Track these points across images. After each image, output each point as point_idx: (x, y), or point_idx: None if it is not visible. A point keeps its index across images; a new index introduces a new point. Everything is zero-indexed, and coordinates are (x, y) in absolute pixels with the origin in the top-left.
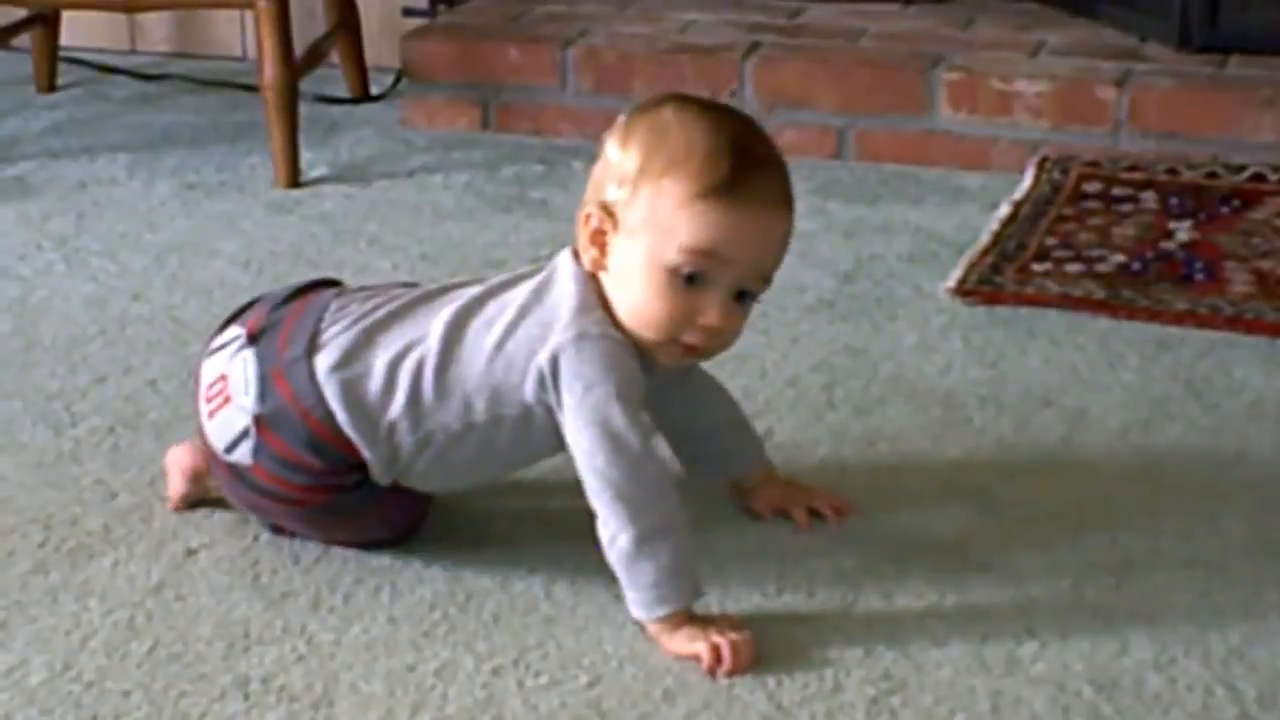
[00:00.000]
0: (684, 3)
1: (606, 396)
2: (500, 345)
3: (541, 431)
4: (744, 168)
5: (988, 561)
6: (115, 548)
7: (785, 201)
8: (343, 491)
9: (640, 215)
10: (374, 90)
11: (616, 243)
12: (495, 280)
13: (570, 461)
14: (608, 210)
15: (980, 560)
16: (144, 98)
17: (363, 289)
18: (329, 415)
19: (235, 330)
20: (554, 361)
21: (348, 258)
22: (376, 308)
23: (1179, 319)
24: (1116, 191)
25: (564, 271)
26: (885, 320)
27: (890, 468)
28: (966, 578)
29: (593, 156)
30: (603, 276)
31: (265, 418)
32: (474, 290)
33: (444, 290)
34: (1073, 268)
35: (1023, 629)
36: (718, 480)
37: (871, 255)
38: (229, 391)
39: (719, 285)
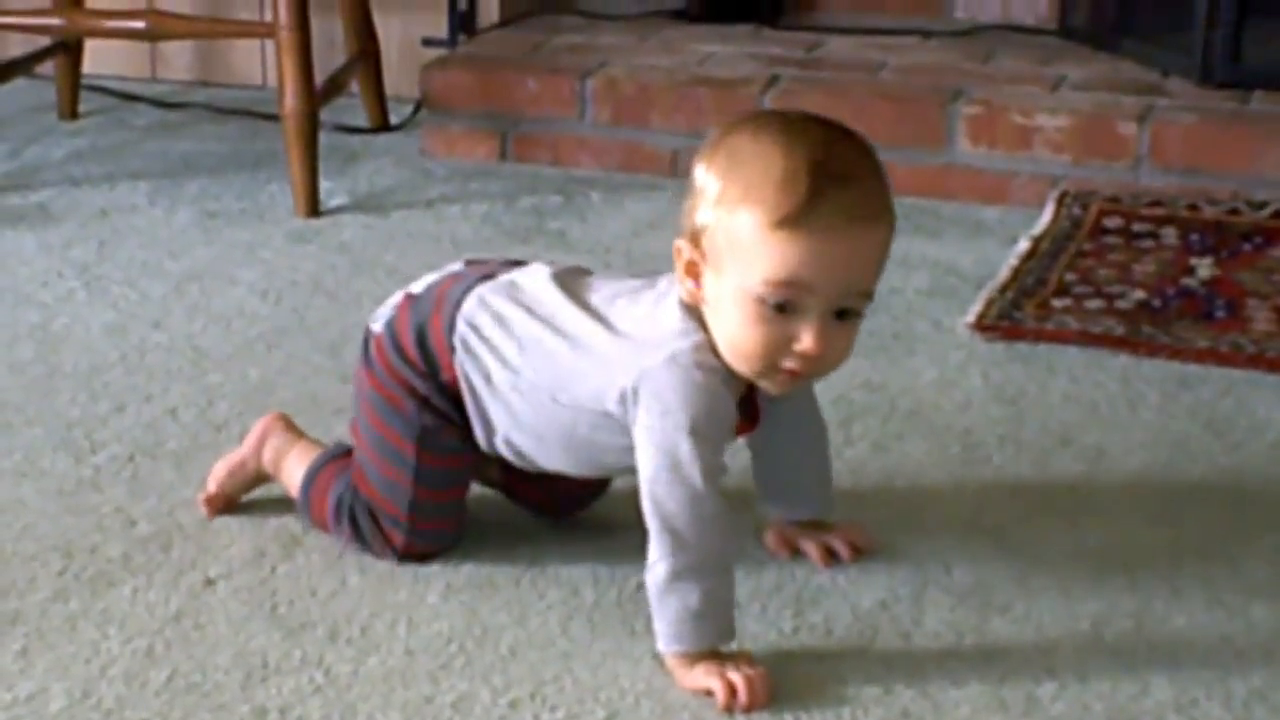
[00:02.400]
0: (703, 35)
1: (678, 427)
2: (599, 348)
3: (615, 439)
4: (820, 189)
5: (1007, 601)
6: (134, 576)
7: (873, 215)
8: (414, 412)
9: (723, 246)
10: (393, 120)
11: (707, 274)
12: (629, 284)
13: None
14: (695, 241)
15: (999, 600)
16: (165, 126)
17: (572, 269)
18: (450, 320)
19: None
20: (641, 380)
21: (366, 288)
22: (557, 274)
23: (1200, 357)
24: (1137, 227)
25: (674, 292)
26: (903, 355)
27: (909, 505)
28: (985, 617)
29: (611, 187)
30: (703, 308)
31: (414, 297)
32: (610, 287)
33: (590, 283)
34: (1093, 304)
35: (1042, 669)
36: (771, 513)
37: (890, 289)
38: (415, 285)
39: (812, 311)
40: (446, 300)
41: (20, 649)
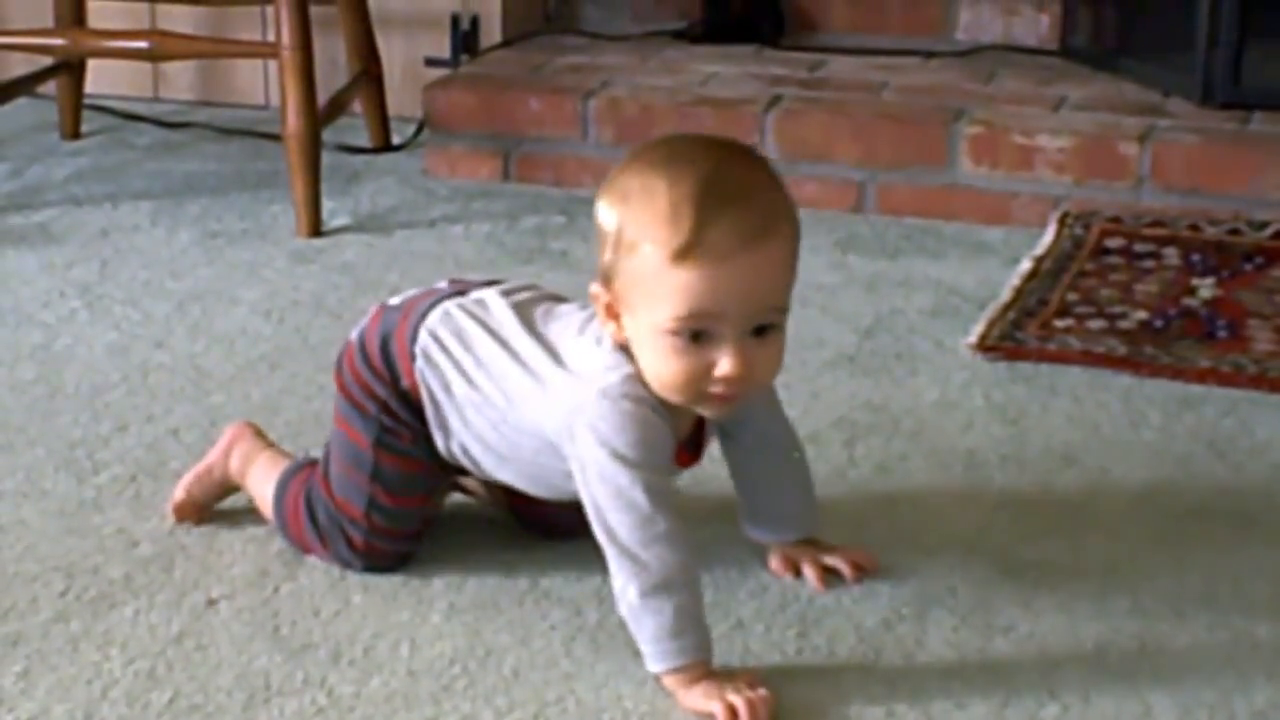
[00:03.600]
0: (705, 55)
1: (613, 456)
2: (547, 379)
3: (557, 464)
4: (706, 218)
5: (1010, 621)
6: (136, 597)
7: (767, 230)
8: (374, 412)
9: (629, 286)
10: (396, 140)
11: (624, 314)
12: (578, 316)
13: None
14: (606, 283)
15: (1002, 620)
16: (167, 145)
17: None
18: (414, 329)
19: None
20: (572, 415)
21: (369, 308)
22: (520, 292)
23: (1202, 377)
24: (1138, 248)
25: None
26: (906, 376)
27: (911, 525)
28: (989, 637)
29: None
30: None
31: (386, 308)
32: (562, 321)
33: (569, 312)
34: (1095, 324)
35: (1045, 691)
36: (755, 538)
37: (892, 310)
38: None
39: (726, 335)
40: (414, 311)
41: (22, 670)
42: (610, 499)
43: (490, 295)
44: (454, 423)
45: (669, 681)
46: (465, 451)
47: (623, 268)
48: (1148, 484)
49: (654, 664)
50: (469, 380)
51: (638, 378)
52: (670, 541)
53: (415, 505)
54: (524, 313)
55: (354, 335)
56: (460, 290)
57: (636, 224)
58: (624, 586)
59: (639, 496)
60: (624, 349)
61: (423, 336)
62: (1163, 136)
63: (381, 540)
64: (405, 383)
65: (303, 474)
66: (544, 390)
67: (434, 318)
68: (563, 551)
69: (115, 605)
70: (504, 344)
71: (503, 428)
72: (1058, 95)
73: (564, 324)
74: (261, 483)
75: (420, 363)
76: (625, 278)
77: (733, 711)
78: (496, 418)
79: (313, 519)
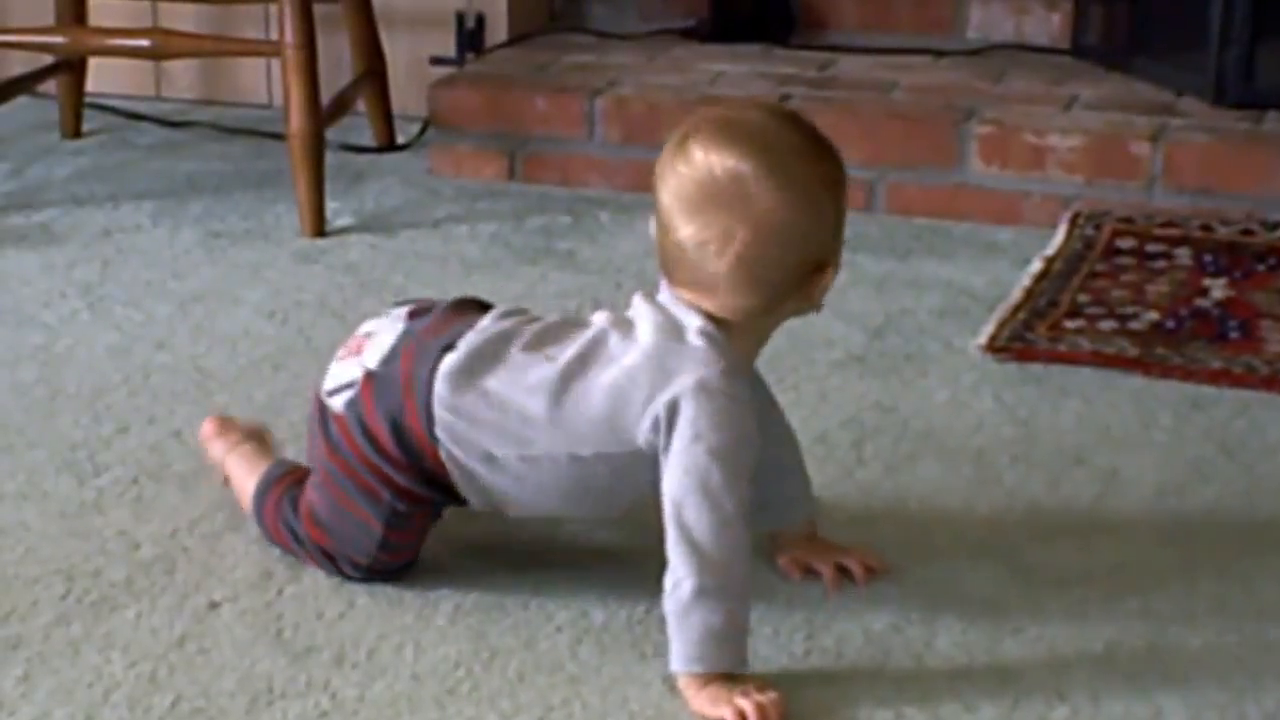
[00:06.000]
0: (713, 53)
1: (710, 453)
2: (620, 386)
3: (642, 475)
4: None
5: (1019, 623)
6: (138, 600)
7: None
8: (389, 498)
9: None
10: (400, 139)
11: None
12: (619, 316)
13: (599, 522)
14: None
15: (1011, 622)
16: (169, 145)
17: (516, 311)
18: (427, 409)
19: (404, 309)
20: (672, 407)
21: (373, 309)
22: (515, 329)
23: (1213, 378)
24: (1150, 248)
25: (689, 315)
26: (916, 376)
27: (920, 526)
28: (997, 639)
29: (620, 207)
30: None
31: (374, 377)
32: (600, 324)
33: (576, 324)
34: (1105, 325)
35: (1054, 693)
36: (759, 529)
37: (902, 310)
38: (366, 347)
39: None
40: (414, 386)
41: (22, 674)
42: (696, 494)
43: (485, 341)
44: (501, 483)
45: (686, 683)
46: (512, 505)
47: None
48: (1159, 485)
49: (687, 664)
50: (516, 441)
51: (735, 369)
52: (742, 549)
53: (423, 533)
54: (550, 336)
55: (339, 406)
56: (438, 331)
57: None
58: (681, 580)
59: (726, 500)
60: (714, 338)
61: (441, 416)
62: (1175, 136)
63: (385, 564)
64: (429, 463)
65: (278, 489)
66: (624, 402)
67: (443, 390)
68: (568, 553)
69: (117, 608)
70: (551, 388)
71: (571, 467)
72: (1069, 94)
73: (578, 342)
74: (242, 482)
75: (447, 444)
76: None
77: (742, 716)
78: (562, 460)
79: (299, 542)
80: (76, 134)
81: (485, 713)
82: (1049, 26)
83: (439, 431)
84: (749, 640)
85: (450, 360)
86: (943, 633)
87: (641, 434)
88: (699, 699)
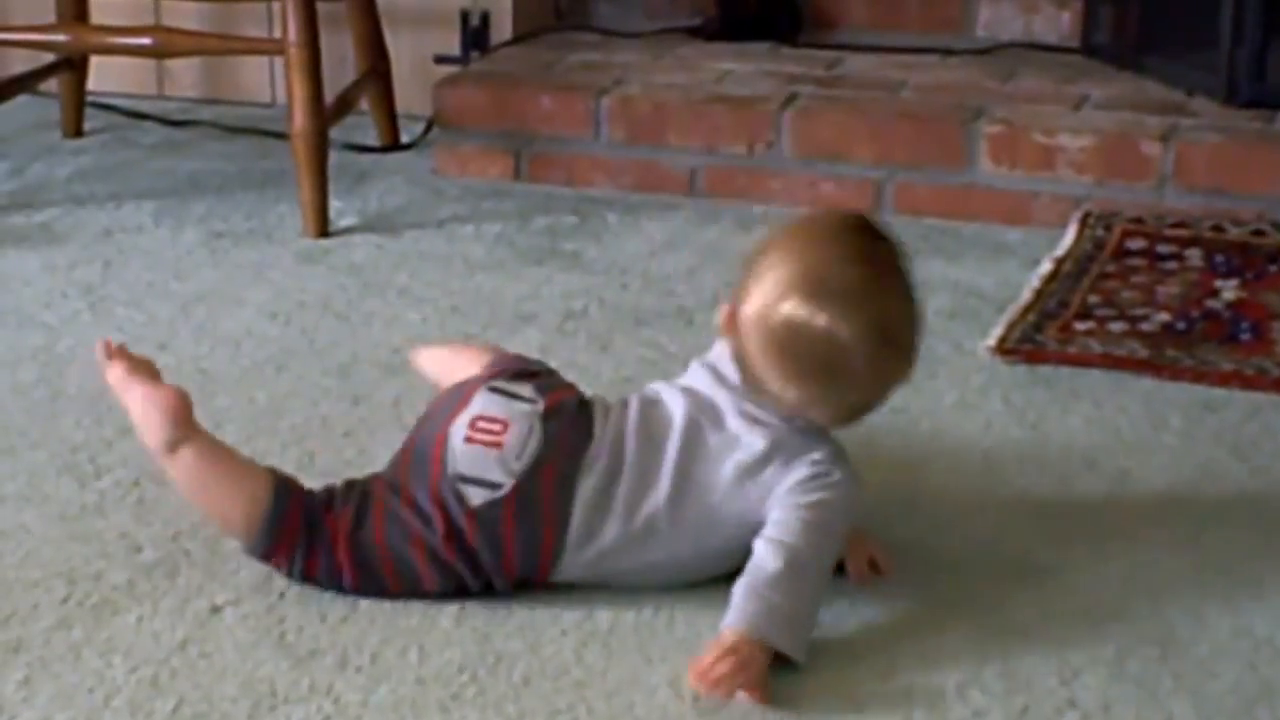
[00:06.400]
0: (720, 52)
1: (826, 504)
2: (745, 485)
3: (747, 533)
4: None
5: (1028, 628)
6: (140, 603)
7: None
8: (471, 583)
9: None
10: (404, 138)
11: None
12: (693, 395)
13: None
14: None
15: (1021, 627)
16: (171, 144)
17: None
18: (563, 533)
19: (531, 391)
20: (806, 477)
21: (377, 309)
22: (628, 443)
23: (1225, 380)
24: (1161, 249)
25: (794, 420)
26: (924, 378)
27: (929, 528)
28: (1007, 645)
29: (627, 207)
30: None
31: (520, 492)
32: (681, 414)
33: (661, 422)
34: (1116, 326)
35: (1064, 699)
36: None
37: None
38: (504, 440)
39: None
40: (555, 520)
41: (23, 678)
42: (803, 529)
43: (601, 476)
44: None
45: (756, 646)
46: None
47: None
48: (1169, 488)
49: (757, 631)
50: (643, 546)
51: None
52: (826, 573)
53: None
54: (647, 454)
55: (478, 503)
56: (564, 434)
57: None
58: (766, 561)
59: (830, 538)
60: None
61: (569, 567)
62: (1186, 136)
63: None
64: (538, 577)
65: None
66: (742, 495)
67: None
68: None
69: (118, 611)
70: (666, 509)
71: (694, 553)
72: (1079, 94)
73: (700, 425)
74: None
75: (565, 573)
76: None
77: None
78: (682, 559)
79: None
80: (78, 133)
81: (490, 717)
82: (1059, 25)
83: (567, 548)
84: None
85: (585, 487)
86: (951, 636)
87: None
88: (749, 662)
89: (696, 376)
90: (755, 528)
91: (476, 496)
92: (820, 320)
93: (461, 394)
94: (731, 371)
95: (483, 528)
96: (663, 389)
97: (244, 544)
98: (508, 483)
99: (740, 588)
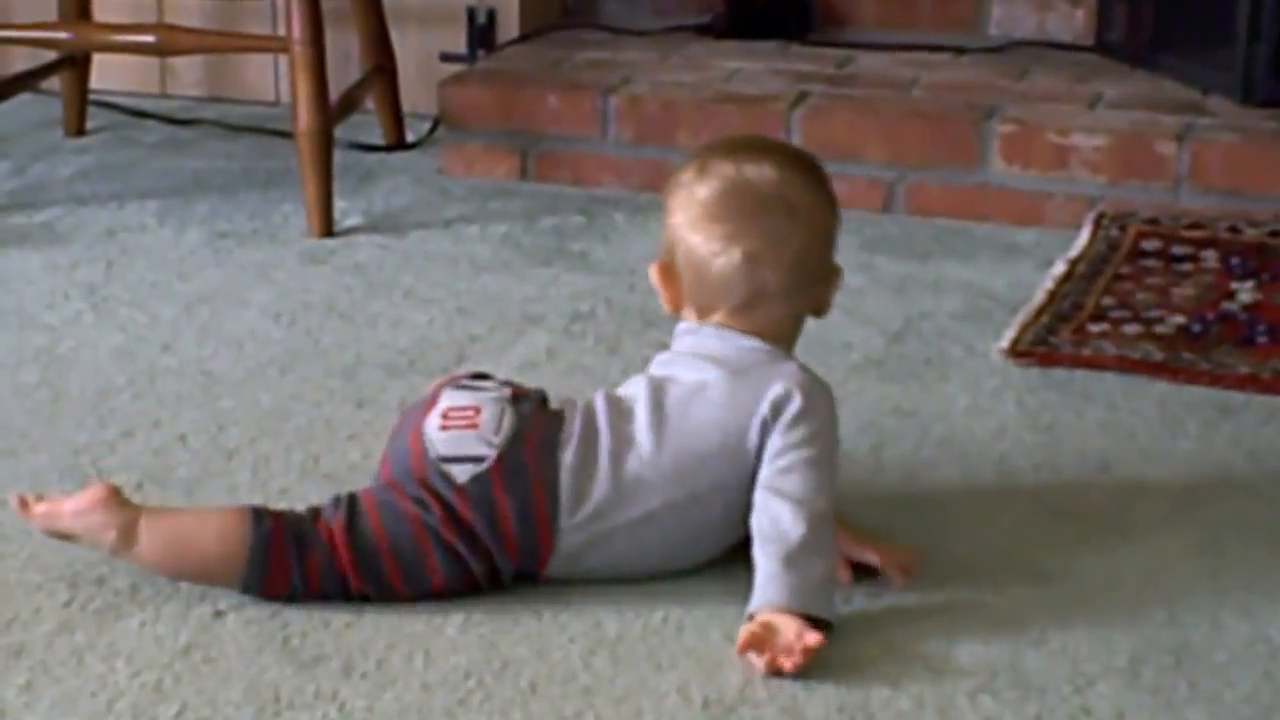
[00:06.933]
0: (729, 50)
1: (817, 434)
2: (720, 414)
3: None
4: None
5: (1041, 636)
6: (143, 608)
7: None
8: (478, 572)
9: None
10: (410, 137)
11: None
12: (654, 379)
13: None
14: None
15: (1033, 633)
16: (175, 143)
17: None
18: (554, 496)
19: (494, 383)
20: (777, 403)
21: (382, 310)
22: (599, 419)
23: (1241, 383)
24: (1176, 250)
25: (745, 339)
26: (936, 381)
27: (940, 534)
28: (1019, 651)
29: (634, 207)
30: None
31: (505, 460)
32: (644, 386)
33: (623, 400)
34: (1130, 329)
35: (1078, 707)
36: None
37: (921, 313)
38: (479, 420)
39: None
40: (544, 483)
41: (25, 683)
42: (802, 466)
43: (583, 437)
44: (607, 553)
45: (781, 617)
46: (607, 571)
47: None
48: (1185, 493)
49: (800, 604)
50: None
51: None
52: (831, 519)
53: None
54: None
55: (464, 479)
56: (536, 418)
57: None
58: (788, 530)
59: (826, 472)
60: (775, 351)
61: (568, 546)
62: (1201, 135)
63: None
64: (539, 548)
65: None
66: (725, 423)
67: (566, 521)
68: None
69: (121, 616)
70: (650, 449)
71: (688, 515)
72: (1093, 93)
73: (662, 378)
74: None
75: (567, 552)
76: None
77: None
78: (679, 511)
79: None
80: (80, 132)
81: None
82: (1072, 23)
83: (559, 515)
84: None
85: (567, 459)
86: (963, 644)
87: (752, 440)
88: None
89: (648, 367)
90: (740, 457)
91: (462, 474)
92: (745, 169)
93: (425, 401)
94: (679, 345)
95: (475, 502)
96: (623, 385)
97: (238, 582)
98: (490, 454)
99: (769, 556)
